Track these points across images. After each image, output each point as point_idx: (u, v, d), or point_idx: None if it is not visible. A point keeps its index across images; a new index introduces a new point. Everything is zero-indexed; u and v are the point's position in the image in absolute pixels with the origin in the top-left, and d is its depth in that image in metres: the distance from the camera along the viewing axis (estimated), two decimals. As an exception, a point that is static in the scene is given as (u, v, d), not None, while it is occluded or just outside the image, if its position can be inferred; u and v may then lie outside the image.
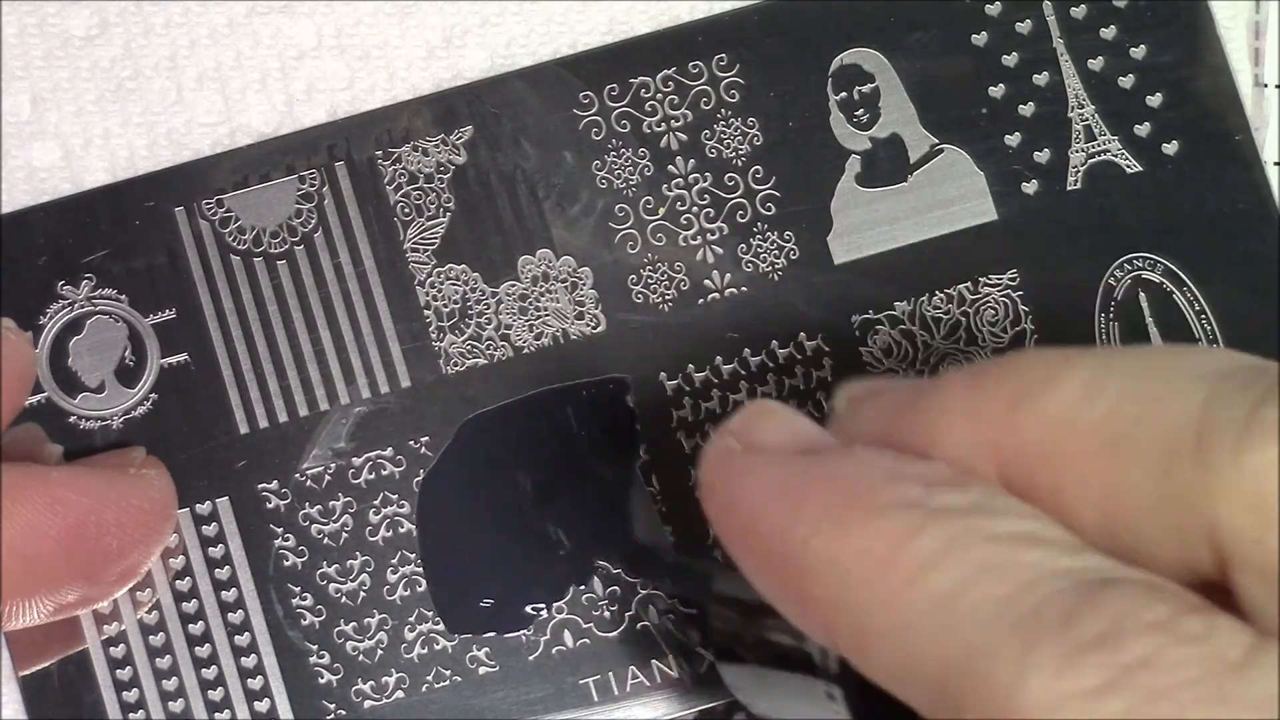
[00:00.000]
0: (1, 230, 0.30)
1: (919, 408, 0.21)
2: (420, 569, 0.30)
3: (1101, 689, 0.17)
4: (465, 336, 0.30)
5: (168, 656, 0.29)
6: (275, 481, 0.30)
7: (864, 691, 0.20)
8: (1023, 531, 0.19)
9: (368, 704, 0.29)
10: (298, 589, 0.30)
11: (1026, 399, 0.20)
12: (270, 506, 0.30)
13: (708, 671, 0.29)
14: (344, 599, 0.30)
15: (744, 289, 0.30)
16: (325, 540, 0.30)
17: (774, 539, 0.20)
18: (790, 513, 0.20)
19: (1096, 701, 0.17)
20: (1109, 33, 0.31)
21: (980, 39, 0.31)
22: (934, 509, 0.19)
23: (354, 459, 0.30)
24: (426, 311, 0.30)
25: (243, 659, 0.29)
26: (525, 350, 0.30)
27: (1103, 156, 0.31)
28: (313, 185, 0.30)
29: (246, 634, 0.30)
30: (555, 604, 0.30)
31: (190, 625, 0.29)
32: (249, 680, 0.29)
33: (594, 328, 0.30)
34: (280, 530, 0.30)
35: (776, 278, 0.30)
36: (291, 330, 0.30)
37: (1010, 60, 0.31)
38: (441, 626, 0.30)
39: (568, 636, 0.30)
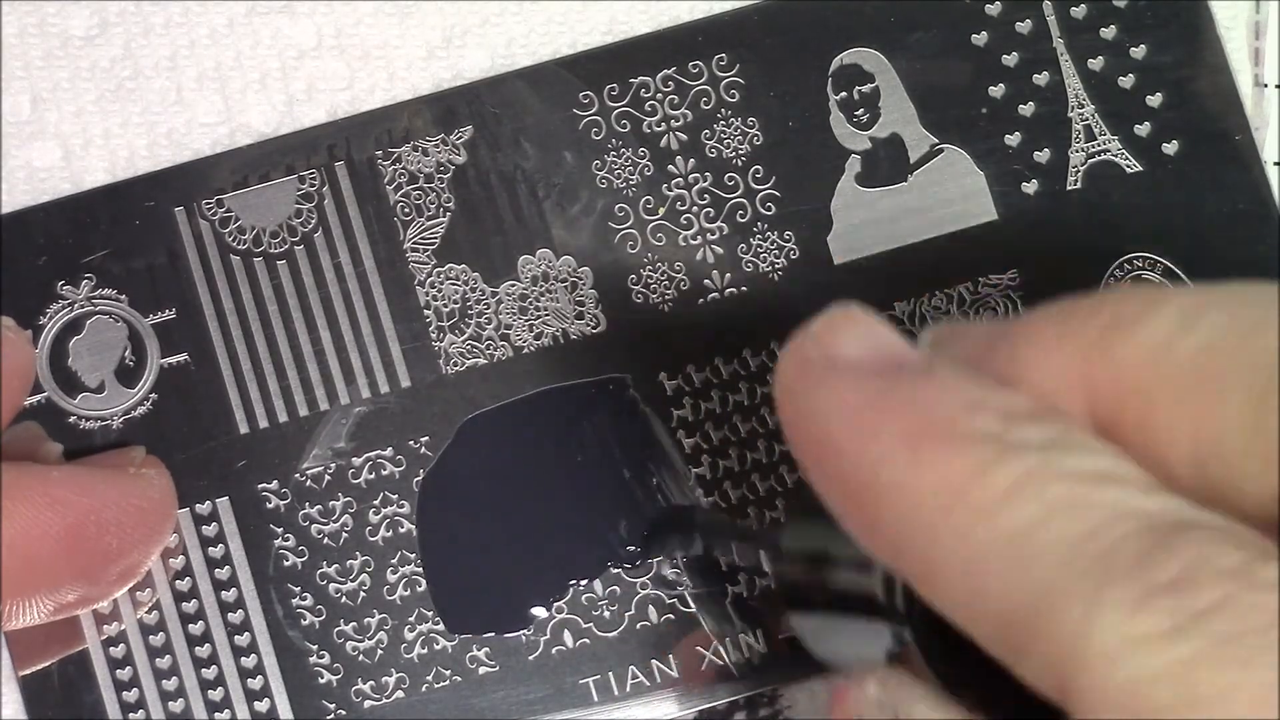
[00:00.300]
0: (1, 230, 0.30)
1: (1006, 341, 0.20)
2: (420, 569, 0.30)
3: (1171, 633, 0.17)
4: (465, 336, 0.30)
5: (168, 656, 0.29)
6: (275, 481, 0.30)
7: (930, 630, 0.20)
8: (1100, 470, 0.19)
9: (368, 704, 0.29)
10: (298, 589, 0.30)
11: (1119, 329, 0.19)
12: (270, 506, 0.30)
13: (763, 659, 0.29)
14: (344, 599, 0.30)
15: (744, 289, 0.30)
16: (325, 540, 0.30)
17: (846, 459, 0.19)
18: (865, 436, 0.19)
19: (1165, 645, 0.17)
20: (1109, 33, 0.31)
21: (980, 39, 0.31)
22: (1011, 443, 0.19)
23: (354, 459, 0.30)
24: (426, 311, 0.30)
25: (243, 659, 0.29)
26: (525, 350, 0.30)
27: (1103, 156, 0.31)
28: (313, 185, 0.30)
29: (246, 634, 0.29)
30: (555, 604, 0.30)
31: (190, 625, 0.29)
32: (249, 680, 0.29)
33: (594, 328, 0.30)
34: (280, 530, 0.30)
35: (776, 277, 0.30)
36: (291, 330, 0.30)
37: (1010, 60, 0.31)
38: (441, 626, 0.30)
39: (568, 636, 0.30)
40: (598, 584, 0.30)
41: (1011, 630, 0.18)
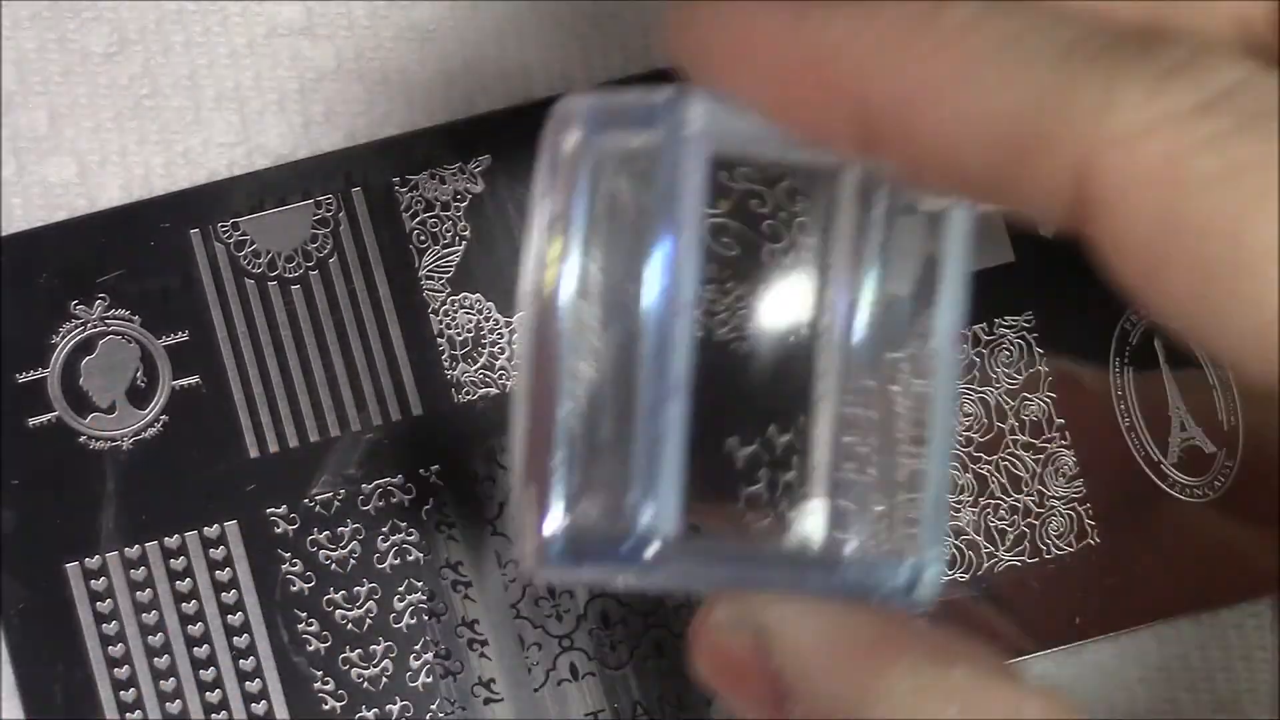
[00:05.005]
0: (16, 247, 0.30)
1: None
2: (426, 597, 0.30)
3: (1196, 110, 0.16)
4: (478, 365, 0.30)
5: (172, 679, 0.29)
6: (284, 506, 0.30)
7: None
8: None
9: (371, 731, 0.29)
10: (304, 614, 0.30)
11: None
12: (279, 531, 0.30)
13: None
14: (350, 625, 0.30)
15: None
16: (333, 566, 0.30)
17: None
18: None
19: (1193, 123, 0.16)
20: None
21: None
22: None
23: (363, 485, 0.30)
24: (440, 339, 0.30)
25: (247, 683, 0.29)
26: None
27: (1121, 201, 0.31)
28: (329, 210, 0.30)
29: (251, 658, 0.29)
30: (563, 639, 0.30)
31: (195, 648, 0.29)
32: (253, 705, 0.29)
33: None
34: (288, 555, 0.30)
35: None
36: (304, 355, 0.30)
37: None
38: (447, 656, 0.30)
39: (574, 669, 0.30)
40: (606, 618, 0.30)
41: (1013, 144, 0.17)
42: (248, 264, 0.30)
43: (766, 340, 0.21)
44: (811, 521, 0.21)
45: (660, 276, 0.20)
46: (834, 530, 0.21)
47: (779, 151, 0.20)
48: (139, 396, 0.30)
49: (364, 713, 0.29)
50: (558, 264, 0.20)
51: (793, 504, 0.21)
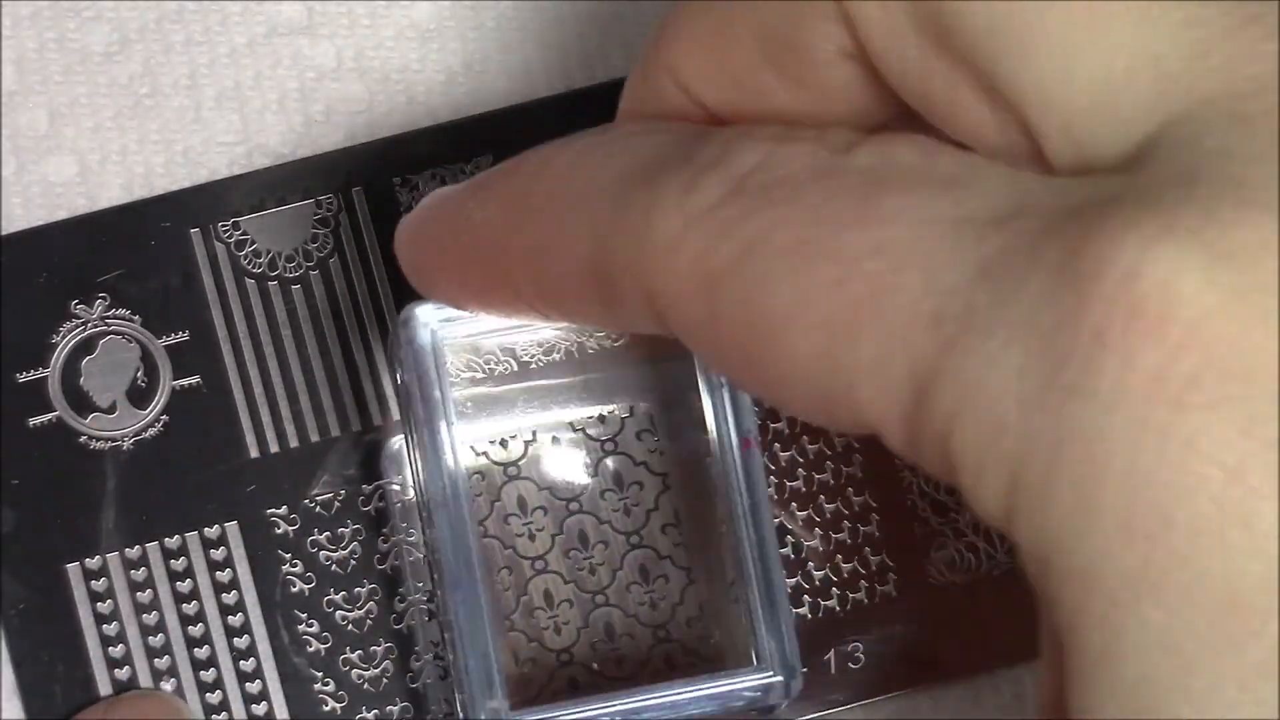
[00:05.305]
0: (16, 246, 0.30)
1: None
2: (427, 599, 0.29)
3: (724, 199, 0.18)
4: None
5: (172, 680, 0.29)
6: (284, 507, 0.30)
7: None
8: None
9: (371, 732, 0.29)
10: (304, 615, 0.30)
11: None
12: (279, 532, 0.30)
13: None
14: (350, 626, 0.30)
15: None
16: (333, 567, 0.30)
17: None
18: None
19: (720, 212, 0.18)
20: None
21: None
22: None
23: (364, 486, 0.30)
24: (440, 339, 0.30)
25: (247, 684, 0.29)
26: (532, 365, 0.30)
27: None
28: (330, 210, 0.30)
29: (251, 659, 0.29)
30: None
31: (196, 649, 0.29)
32: (253, 706, 0.29)
33: (614, 340, 0.30)
34: (288, 556, 0.30)
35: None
36: (304, 355, 0.30)
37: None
38: (446, 656, 0.29)
39: (573, 681, 0.29)
40: (611, 628, 0.30)
41: (593, 281, 0.20)
42: (248, 264, 0.30)
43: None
44: None
45: (428, 471, 0.26)
46: None
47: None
48: (139, 396, 0.30)
49: (364, 713, 0.29)
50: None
51: None
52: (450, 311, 0.25)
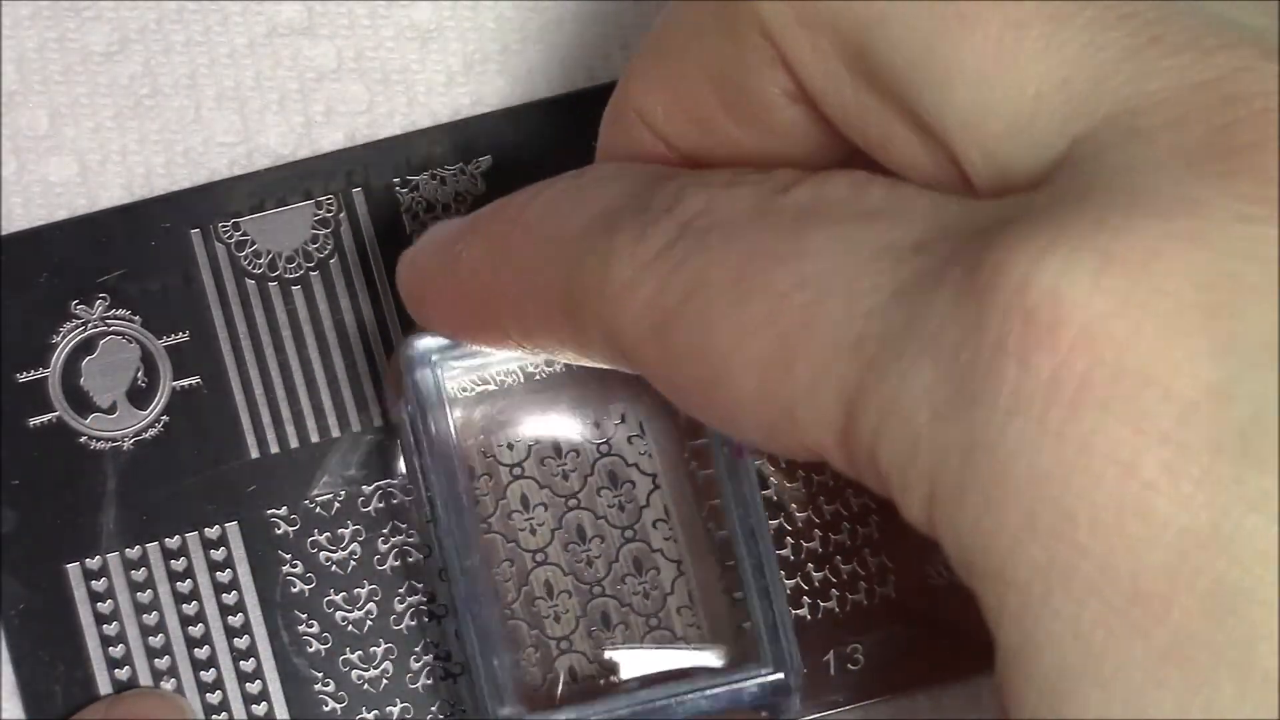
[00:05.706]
0: (16, 246, 0.30)
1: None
2: (426, 599, 0.30)
3: (671, 243, 0.19)
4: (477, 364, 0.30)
5: (172, 680, 0.29)
6: (285, 507, 0.30)
7: None
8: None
9: (371, 733, 0.30)
10: (304, 616, 0.30)
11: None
12: (279, 532, 0.30)
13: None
14: (350, 627, 0.30)
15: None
16: (333, 568, 0.30)
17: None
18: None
19: (668, 256, 0.19)
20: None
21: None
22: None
23: (364, 487, 0.30)
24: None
25: (247, 684, 0.29)
26: (536, 377, 0.30)
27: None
28: (330, 211, 0.30)
29: (251, 659, 0.29)
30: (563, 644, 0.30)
31: (196, 650, 0.29)
32: (253, 706, 0.29)
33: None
34: (289, 556, 0.30)
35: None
36: (305, 356, 0.30)
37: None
38: (447, 657, 0.30)
39: (572, 671, 0.30)
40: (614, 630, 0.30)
41: (563, 331, 0.21)
42: (248, 264, 0.30)
43: None
44: None
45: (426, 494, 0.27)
46: None
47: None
48: (139, 397, 0.30)
49: (364, 714, 0.29)
50: None
51: None
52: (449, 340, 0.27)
